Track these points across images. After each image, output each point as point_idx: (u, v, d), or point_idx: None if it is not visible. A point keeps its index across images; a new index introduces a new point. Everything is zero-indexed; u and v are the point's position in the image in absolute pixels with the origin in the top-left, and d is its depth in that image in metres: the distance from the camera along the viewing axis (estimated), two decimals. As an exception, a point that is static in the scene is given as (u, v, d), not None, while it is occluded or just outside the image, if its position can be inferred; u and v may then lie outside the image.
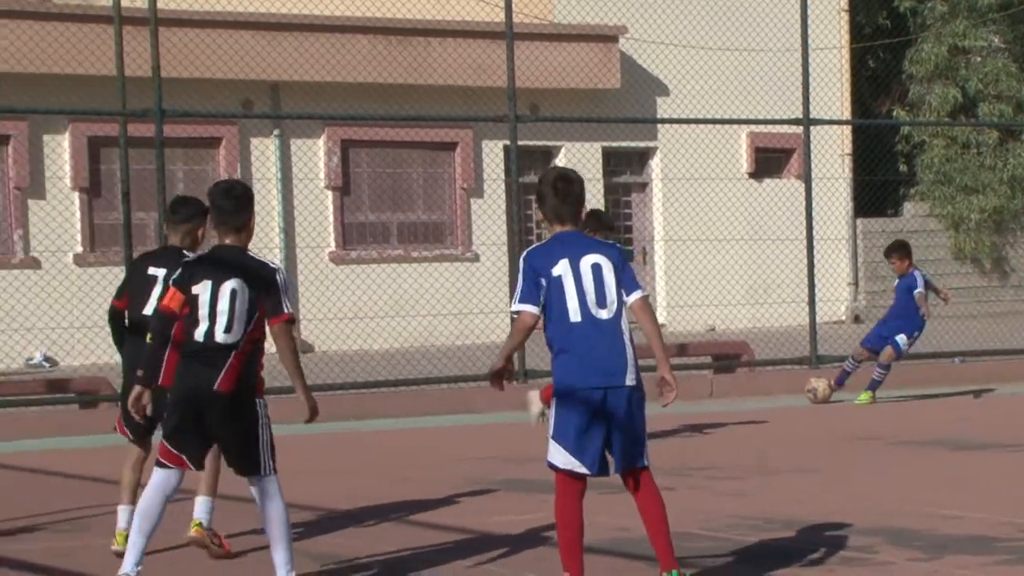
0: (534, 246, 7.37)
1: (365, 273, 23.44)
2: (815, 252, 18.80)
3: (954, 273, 27.44)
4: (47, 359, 21.22)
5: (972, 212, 28.04)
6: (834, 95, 26.79)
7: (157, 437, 7.74)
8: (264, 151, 23.36)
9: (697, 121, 22.56)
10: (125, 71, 15.37)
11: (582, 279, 7.05)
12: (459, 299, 23.94)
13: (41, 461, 12.73)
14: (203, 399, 7.15)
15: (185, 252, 8.28)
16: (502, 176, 24.01)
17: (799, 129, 19.74)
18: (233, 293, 7.17)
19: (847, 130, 27.31)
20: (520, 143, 17.83)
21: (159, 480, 7.31)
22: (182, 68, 20.98)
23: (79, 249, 22.03)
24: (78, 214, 22.09)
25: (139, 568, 7.28)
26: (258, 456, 7.23)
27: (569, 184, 7.25)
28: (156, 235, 18.44)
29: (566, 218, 7.22)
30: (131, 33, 16.34)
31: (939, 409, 15.61)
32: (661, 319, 23.62)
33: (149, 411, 7.46)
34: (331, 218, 23.70)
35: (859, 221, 27.70)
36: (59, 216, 21.50)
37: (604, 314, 7.03)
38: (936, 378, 17.89)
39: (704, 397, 16.66)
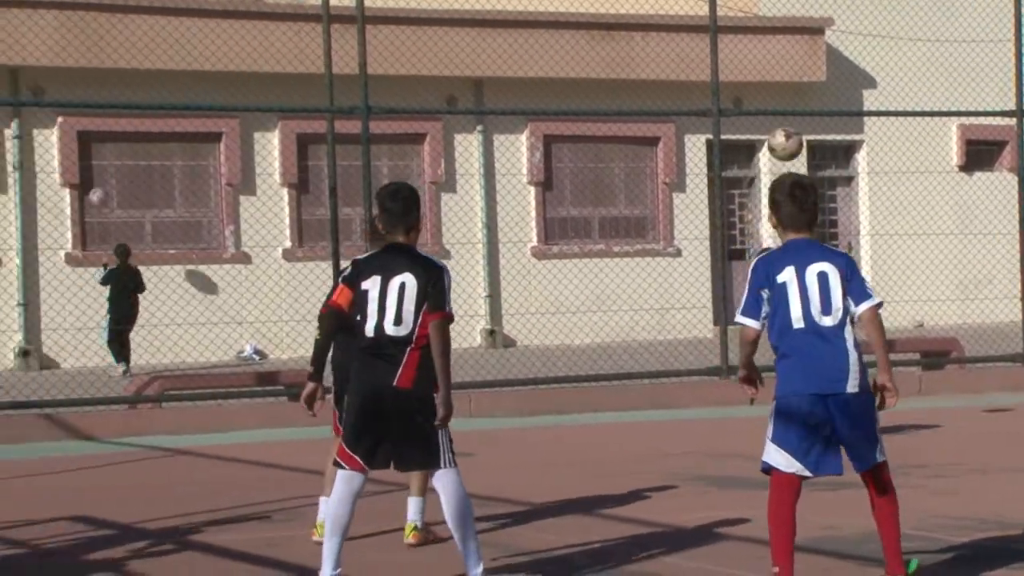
0: (766, 253, 7.38)
1: (566, 268, 23.50)
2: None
3: None
4: (257, 352, 21.69)
5: None
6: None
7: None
8: (468, 147, 23.55)
9: (905, 114, 22.07)
10: (333, 69, 15.63)
11: (807, 287, 7.06)
12: (660, 294, 23.85)
13: (250, 452, 13.02)
14: (382, 395, 7.21)
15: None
16: (704, 170, 23.86)
17: (1012, 121, 19.23)
18: (402, 287, 7.25)
19: (1063, 121, 26.51)
20: (723, 137, 17.68)
21: (341, 483, 7.36)
22: (388, 65, 21.27)
23: (288, 244, 22.47)
24: (287, 209, 22.54)
25: (338, 572, 7.32)
26: (437, 450, 7.27)
27: (805, 192, 7.22)
28: (361, 231, 18.69)
29: (800, 225, 7.20)
30: (339, 31, 16.60)
31: None
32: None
33: (318, 407, 7.50)
34: (533, 213, 23.80)
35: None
36: (268, 212, 21.98)
37: (828, 321, 7.03)
38: None
39: (913, 394, 16.33)
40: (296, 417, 14.67)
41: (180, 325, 20.78)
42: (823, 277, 7.07)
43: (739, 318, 7.19)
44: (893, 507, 7.23)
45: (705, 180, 23.91)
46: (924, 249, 25.20)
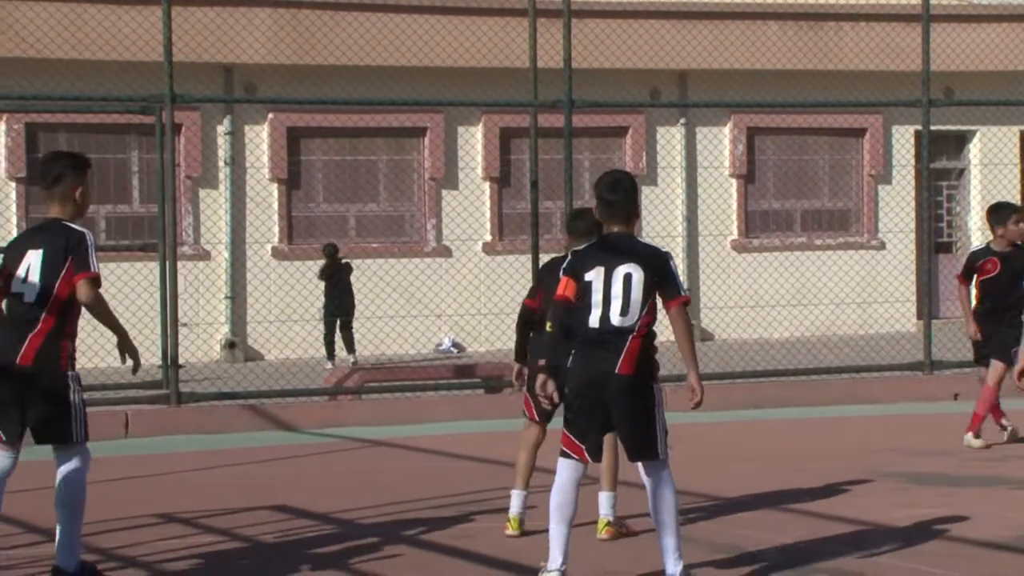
0: None
1: (767, 261, 23.25)
2: None
3: None
4: (455, 345, 21.89)
5: None
6: None
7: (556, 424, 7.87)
8: (670, 139, 23.45)
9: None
10: (537, 62, 15.70)
11: None
12: (863, 287, 23.46)
13: (446, 444, 13.15)
14: (604, 383, 7.24)
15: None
16: (912, 162, 23.40)
17: None
18: (627, 277, 7.29)
19: None
20: (932, 128, 17.32)
21: (564, 470, 7.37)
22: (592, 58, 21.28)
23: (488, 238, 22.64)
24: (488, 203, 22.71)
25: (564, 564, 7.33)
26: (654, 440, 7.29)
27: None
28: (560, 224, 18.74)
29: None
30: (543, 25, 16.66)
31: None
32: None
33: (556, 398, 7.61)
34: (734, 206, 23.61)
35: None
36: (470, 205, 22.17)
37: None
38: None
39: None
40: (491, 410, 14.84)
41: (381, 318, 21.08)
42: None
43: None
44: None
45: (912, 172, 23.44)
46: None
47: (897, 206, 23.63)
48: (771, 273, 22.96)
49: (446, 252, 22.41)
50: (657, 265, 7.31)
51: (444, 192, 22.53)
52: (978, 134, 24.40)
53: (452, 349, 21.73)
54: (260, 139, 21.83)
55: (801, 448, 12.71)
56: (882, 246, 23.90)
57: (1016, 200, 24.04)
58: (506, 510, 8.87)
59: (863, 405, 15.35)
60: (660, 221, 22.97)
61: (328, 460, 12.59)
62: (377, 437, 13.67)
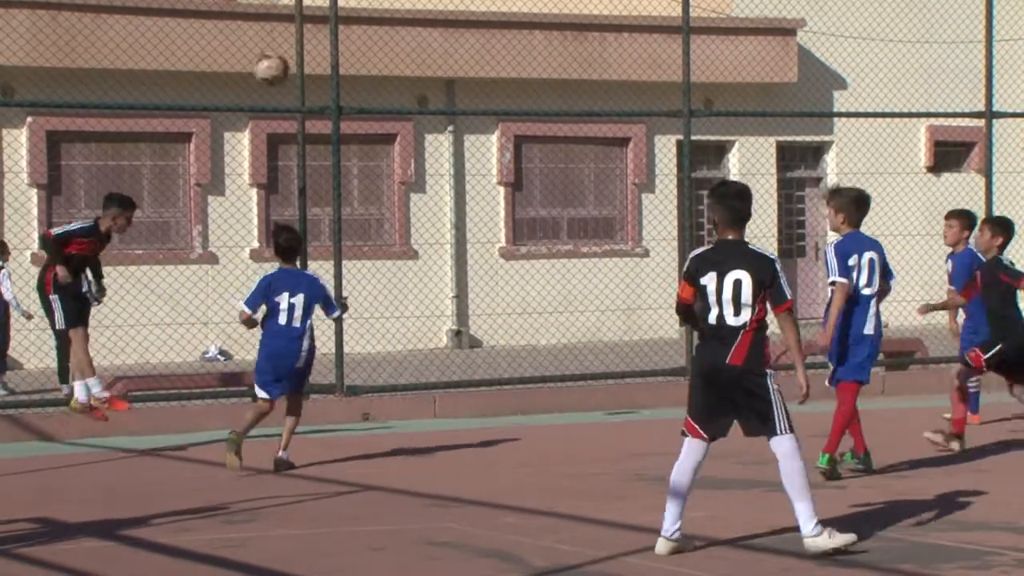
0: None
1: (534, 268, 23.52)
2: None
3: None
4: (222, 353, 21.64)
5: None
6: (1018, 87, 26.16)
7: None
8: (438, 147, 23.55)
9: (875, 115, 22.16)
10: (304, 68, 15.62)
11: None
12: (628, 294, 23.87)
13: (215, 453, 12.99)
14: (717, 372, 8.22)
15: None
16: (674, 171, 23.90)
17: (981, 122, 19.33)
18: (737, 284, 8.22)
19: (1031, 123, 26.62)
20: (693, 138, 17.72)
21: (687, 452, 8.35)
22: (360, 65, 21.24)
23: (255, 244, 22.43)
24: (255, 210, 22.50)
25: (678, 530, 8.28)
26: (773, 419, 8.21)
27: None
28: (330, 231, 18.64)
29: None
30: (311, 31, 16.58)
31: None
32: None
33: None
34: (502, 213, 23.81)
35: (1041, 216, 27.01)
36: (237, 212, 21.93)
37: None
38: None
39: (876, 395, 16.39)
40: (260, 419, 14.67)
41: (145, 326, 20.70)
42: None
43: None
44: None
45: (674, 181, 23.94)
46: (891, 250, 25.15)
47: (660, 214, 24.11)
48: (538, 280, 23.22)
49: (212, 259, 22.14)
50: (764, 272, 8.24)
51: (210, 198, 22.26)
52: (737, 144, 25.03)
53: (219, 357, 21.47)
54: (19, 143, 21.28)
55: (566, 453, 12.87)
56: (646, 254, 24.35)
57: (773, 210, 24.75)
58: (277, 520, 8.80)
59: (627, 410, 15.62)
60: (428, 228, 23.07)
61: (89, 471, 12.32)
62: (143, 447, 13.43)
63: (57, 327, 12.89)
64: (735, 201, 8.35)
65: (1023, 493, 10.29)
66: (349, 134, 19.95)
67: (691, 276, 8.37)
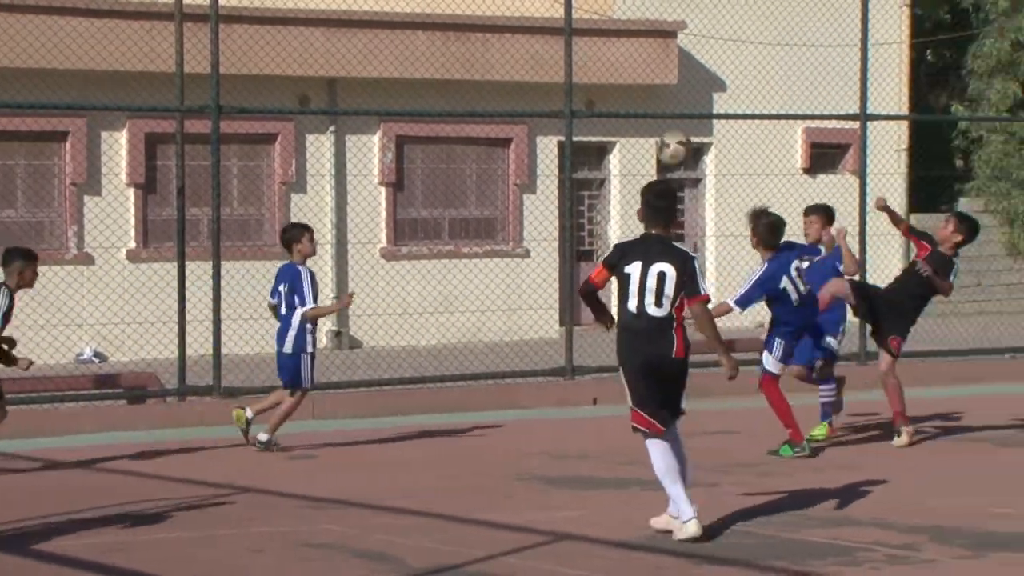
0: None
1: (415, 269, 23.49)
2: (867, 247, 18.71)
3: (1007, 269, 27.35)
4: (97, 354, 21.34)
5: (1027, 208, 27.87)
6: (892, 90, 26.59)
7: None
8: (319, 147, 23.44)
9: (753, 116, 22.42)
10: (184, 67, 15.47)
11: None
12: (509, 295, 23.92)
13: (89, 456, 12.84)
14: (664, 364, 8.63)
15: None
16: (555, 172, 24.00)
17: (855, 124, 19.63)
18: (661, 275, 8.62)
19: (904, 125, 27.05)
20: (575, 139, 17.80)
21: (653, 447, 8.69)
22: (240, 64, 21.08)
23: (132, 245, 22.18)
24: (132, 209, 22.24)
25: (695, 507, 8.58)
26: (680, 404, 8.83)
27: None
28: (209, 231, 18.47)
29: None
30: (190, 30, 16.41)
31: (988, 405, 15.47)
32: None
33: None
34: (383, 214, 23.76)
35: (913, 216, 27.46)
36: (113, 212, 21.66)
37: None
38: (987, 375, 17.78)
39: (752, 393, 16.57)
40: (135, 421, 14.57)
41: (17, 327, 20.28)
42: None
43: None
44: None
45: (556, 182, 24.04)
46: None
47: (541, 215, 24.21)
48: (419, 281, 23.19)
49: (88, 260, 21.84)
50: (685, 266, 8.64)
51: (86, 198, 21.96)
52: (618, 145, 25.18)
53: (94, 359, 21.18)
54: None
55: (446, 453, 12.88)
56: (527, 254, 24.43)
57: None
58: (156, 524, 8.70)
59: (508, 410, 15.67)
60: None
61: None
62: (12, 450, 13.22)
63: None
64: (656, 199, 8.85)
65: (890, 489, 10.48)
66: (229, 133, 19.79)
67: (612, 264, 8.79)
